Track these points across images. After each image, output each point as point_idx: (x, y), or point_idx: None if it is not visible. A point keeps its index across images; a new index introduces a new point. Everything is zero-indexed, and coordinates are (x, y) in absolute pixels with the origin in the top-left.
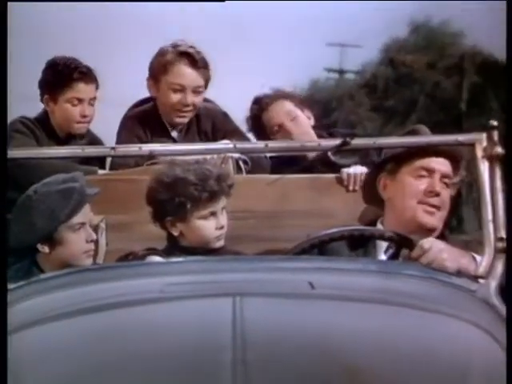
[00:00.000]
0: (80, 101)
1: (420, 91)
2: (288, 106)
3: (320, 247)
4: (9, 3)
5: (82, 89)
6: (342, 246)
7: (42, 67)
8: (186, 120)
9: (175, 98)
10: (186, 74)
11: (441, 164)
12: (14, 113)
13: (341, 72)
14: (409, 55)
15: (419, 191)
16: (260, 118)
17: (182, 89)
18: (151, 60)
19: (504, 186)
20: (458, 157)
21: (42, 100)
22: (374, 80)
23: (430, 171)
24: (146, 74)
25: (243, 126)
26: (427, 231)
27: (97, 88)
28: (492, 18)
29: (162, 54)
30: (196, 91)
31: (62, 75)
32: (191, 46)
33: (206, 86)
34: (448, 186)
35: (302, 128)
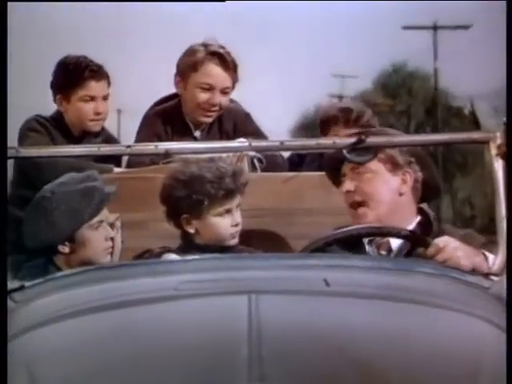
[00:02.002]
0: (93, 98)
1: None
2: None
3: (333, 245)
4: (9, 3)
5: (94, 87)
6: (337, 247)
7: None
8: (210, 120)
9: (203, 97)
10: (216, 73)
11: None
12: (14, 112)
13: (340, 97)
14: (381, 98)
15: (344, 196)
16: (334, 124)
17: (210, 88)
18: (180, 57)
19: (505, 186)
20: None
21: (54, 100)
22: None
23: (343, 175)
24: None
25: (267, 123)
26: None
27: (109, 85)
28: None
29: (192, 52)
30: (224, 92)
31: (72, 75)
32: (221, 47)
33: (233, 88)
34: (364, 173)
35: None
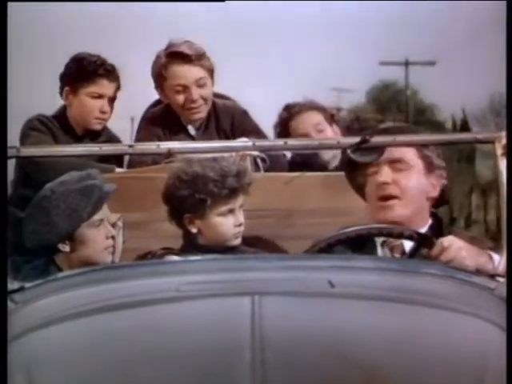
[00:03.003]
0: (100, 96)
1: None
2: (317, 118)
3: (336, 246)
4: (9, 3)
5: (105, 85)
6: (345, 248)
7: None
8: (201, 115)
9: (181, 98)
10: (182, 72)
11: (387, 152)
12: (14, 111)
13: (338, 109)
14: (371, 113)
15: (374, 189)
16: (287, 125)
17: (184, 88)
18: (150, 70)
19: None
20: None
21: (61, 93)
22: (350, 124)
23: (377, 165)
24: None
25: (265, 127)
26: (396, 224)
27: (118, 88)
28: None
29: (155, 61)
30: (199, 84)
31: (86, 70)
32: (185, 41)
33: (211, 76)
34: (404, 170)
35: None
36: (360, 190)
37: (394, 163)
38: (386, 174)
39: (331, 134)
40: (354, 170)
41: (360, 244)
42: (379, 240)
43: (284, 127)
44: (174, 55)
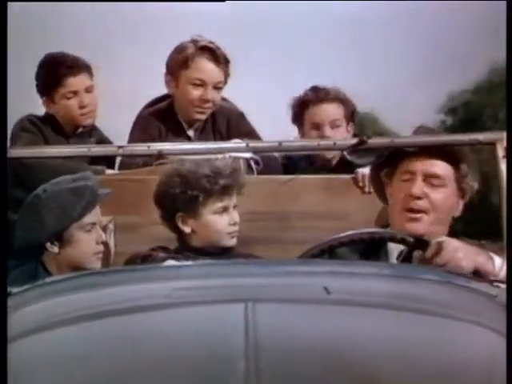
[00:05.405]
0: (75, 93)
1: None
2: (338, 113)
3: (329, 252)
4: (9, 3)
5: (72, 82)
6: (352, 253)
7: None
8: (204, 116)
9: (196, 93)
10: (208, 68)
11: (424, 164)
12: (13, 112)
13: None
14: None
15: (402, 196)
16: (306, 107)
17: (202, 84)
18: (170, 55)
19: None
20: (454, 154)
21: (43, 103)
22: None
23: (412, 173)
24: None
25: (259, 128)
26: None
27: (90, 76)
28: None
29: (181, 48)
30: (216, 87)
31: (50, 74)
32: (211, 42)
33: (225, 83)
34: (438, 186)
35: None
36: (380, 189)
37: (430, 178)
38: (419, 186)
39: (343, 132)
40: (382, 168)
41: (369, 251)
42: (395, 251)
43: (302, 108)
44: (204, 49)
